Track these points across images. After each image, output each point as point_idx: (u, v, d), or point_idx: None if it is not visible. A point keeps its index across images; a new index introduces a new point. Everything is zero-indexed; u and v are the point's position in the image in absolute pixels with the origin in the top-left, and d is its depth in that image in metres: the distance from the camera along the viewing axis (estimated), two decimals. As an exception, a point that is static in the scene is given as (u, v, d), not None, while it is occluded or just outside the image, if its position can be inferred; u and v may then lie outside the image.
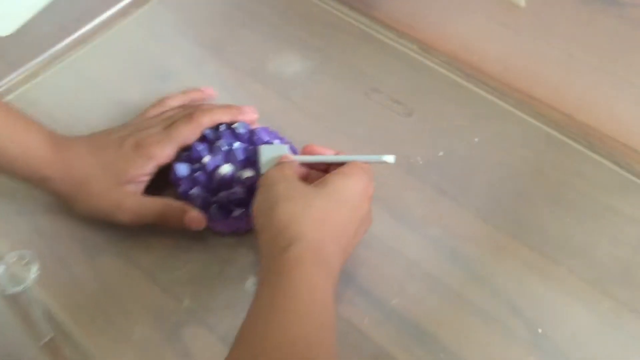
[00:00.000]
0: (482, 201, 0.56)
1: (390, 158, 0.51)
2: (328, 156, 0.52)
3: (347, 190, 0.48)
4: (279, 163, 0.51)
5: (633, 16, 0.54)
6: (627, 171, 0.57)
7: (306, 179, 0.52)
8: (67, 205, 0.56)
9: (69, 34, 0.73)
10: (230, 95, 0.66)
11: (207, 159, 0.55)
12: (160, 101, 0.61)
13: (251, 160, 0.55)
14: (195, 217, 0.54)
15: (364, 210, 0.49)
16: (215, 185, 0.55)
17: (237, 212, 0.54)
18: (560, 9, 0.57)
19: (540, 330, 0.49)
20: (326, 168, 0.52)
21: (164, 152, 0.55)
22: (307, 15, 0.73)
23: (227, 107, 0.58)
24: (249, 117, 0.58)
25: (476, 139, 0.60)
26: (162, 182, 0.56)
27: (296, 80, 0.67)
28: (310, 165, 0.53)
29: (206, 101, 0.64)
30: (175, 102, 0.61)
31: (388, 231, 0.54)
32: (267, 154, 0.53)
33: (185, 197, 0.55)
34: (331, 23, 0.72)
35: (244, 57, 0.70)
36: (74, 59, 0.72)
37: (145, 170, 0.54)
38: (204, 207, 0.54)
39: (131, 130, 0.56)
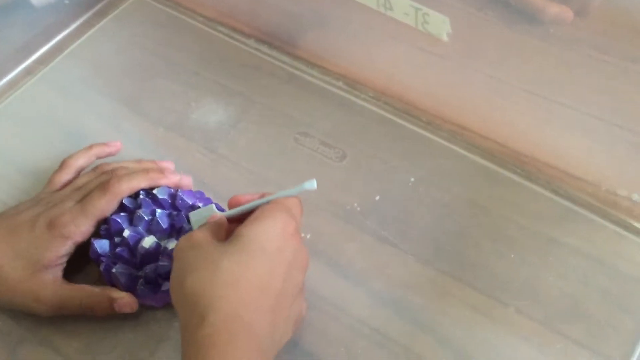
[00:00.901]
0: (423, 245, 0.55)
1: (311, 184, 0.47)
2: (253, 202, 0.48)
3: (259, 237, 0.43)
4: (201, 227, 0.48)
5: (557, 35, 0.54)
6: (566, 199, 0.57)
7: None
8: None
9: None
10: (151, 153, 0.63)
11: (127, 232, 0.52)
12: (63, 164, 0.58)
13: (176, 227, 0.53)
14: (125, 302, 0.51)
15: (289, 251, 0.44)
16: (139, 259, 0.52)
17: (166, 286, 0.51)
18: (485, 34, 0.58)
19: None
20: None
21: (80, 230, 0.52)
22: (226, 58, 0.71)
23: (144, 170, 0.56)
24: (170, 180, 0.56)
25: (412, 179, 0.59)
26: (82, 256, 0.53)
27: (220, 130, 0.65)
28: (241, 217, 0.50)
29: (112, 155, 0.61)
30: (79, 162, 0.58)
31: (331, 288, 0.53)
32: (197, 220, 0.50)
33: (108, 274, 0.52)
34: (252, 64, 0.70)
35: (163, 109, 0.67)
36: None
37: (62, 251, 0.51)
38: (130, 283, 0.51)
39: (42, 207, 0.53)
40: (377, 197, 0.58)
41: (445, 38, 0.57)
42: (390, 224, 0.56)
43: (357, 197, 0.59)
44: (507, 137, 0.60)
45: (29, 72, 0.72)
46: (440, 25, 0.57)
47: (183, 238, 0.46)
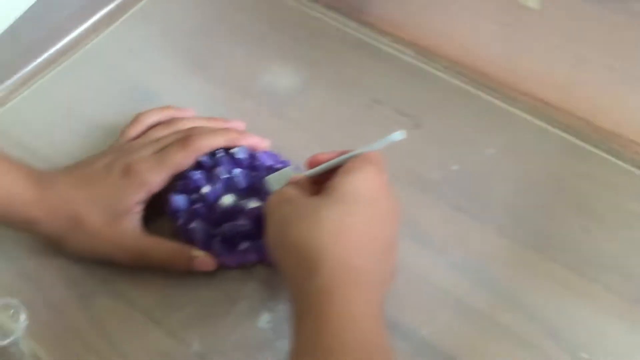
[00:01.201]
0: (503, 217, 0.54)
1: (399, 135, 0.47)
2: (333, 160, 0.48)
3: (355, 187, 0.44)
4: (287, 184, 0.48)
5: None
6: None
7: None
8: (56, 247, 0.52)
9: (36, 56, 0.68)
10: (219, 115, 0.62)
11: (206, 189, 0.51)
12: (136, 119, 0.58)
13: (254, 187, 0.52)
14: (203, 261, 0.50)
15: (384, 201, 0.45)
16: (217, 217, 0.51)
17: (243, 245, 0.51)
18: (567, 9, 0.56)
19: (584, 355, 0.47)
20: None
21: (156, 179, 0.51)
22: (293, 23, 0.70)
23: (224, 130, 0.55)
24: (249, 141, 0.55)
25: (490, 150, 0.58)
26: (155, 212, 0.53)
27: (290, 95, 0.64)
28: (322, 177, 0.49)
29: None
30: (152, 119, 0.58)
31: (411, 257, 0.52)
32: (275, 183, 0.49)
33: (184, 231, 0.51)
34: (320, 31, 0.69)
35: (230, 73, 0.66)
36: (43, 83, 0.67)
37: (137, 198, 0.51)
38: (206, 240, 0.51)
39: (116, 155, 0.53)
40: (455, 167, 0.57)
41: (536, 6, 0.56)
42: (469, 194, 0.55)
43: (433, 166, 0.58)
44: (590, 113, 0.59)
45: (93, 30, 0.71)
46: (532, -8, 0.55)
47: (274, 194, 0.46)
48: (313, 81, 0.65)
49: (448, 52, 0.65)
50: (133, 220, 0.51)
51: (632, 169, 0.56)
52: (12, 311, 0.51)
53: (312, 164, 0.49)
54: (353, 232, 0.42)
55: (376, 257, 0.42)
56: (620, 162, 0.56)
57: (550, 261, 0.51)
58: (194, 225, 0.51)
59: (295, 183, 0.47)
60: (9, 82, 0.67)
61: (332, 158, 0.48)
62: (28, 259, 0.54)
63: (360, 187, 0.44)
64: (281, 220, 0.44)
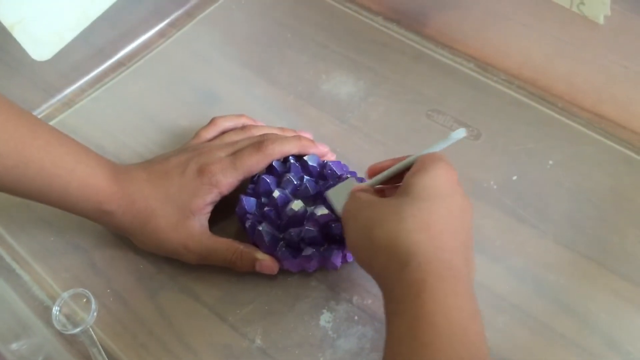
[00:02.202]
0: (563, 227, 0.55)
1: (460, 133, 0.47)
2: (396, 165, 0.49)
3: (431, 185, 0.44)
4: (352, 194, 0.49)
5: None
6: None
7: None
8: (128, 239, 0.54)
9: (108, 58, 0.72)
10: (282, 120, 0.65)
11: (276, 193, 0.53)
12: (213, 122, 0.60)
13: (322, 195, 0.53)
14: (267, 264, 0.52)
15: (459, 196, 0.45)
16: (284, 221, 0.53)
17: (308, 251, 0.52)
18: (625, 26, 0.57)
19: (642, 365, 0.47)
20: (400, 180, 0.49)
21: (227, 181, 0.53)
22: (354, 33, 0.72)
23: (297, 137, 0.57)
24: (320, 150, 0.57)
25: (550, 162, 0.59)
26: (221, 212, 0.55)
27: (351, 103, 0.66)
28: (385, 184, 0.51)
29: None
30: (228, 124, 0.60)
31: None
32: (337, 196, 0.50)
33: (252, 232, 0.53)
34: (380, 41, 0.71)
35: (293, 79, 0.68)
36: (113, 84, 0.70)
37: (208, 199, 0.53)
38: (273, 243, 0.52)
39: (191, 154, 0.55)
40: (515, 177, 0.58)
41: (601, 21, 0.57)
42: (529, 204, 0.56)
43: (493, 175, 0.59)
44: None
45: (162, 34, 0.74)
46: (599, 6, 0.56)
47: (351, 200, 0.48)
48: (374, 90, 0.67)
49: (507, 66, 0.66)
50: (201, 220, 0.53)
51: (694, 185, 0.56)
52: (84, 300, 0.54)
53: (371, 172, 0.51)
54: (437, 226, 0.42)
55: (460, 250, 0.43)
56: (680, 178, 0.57)
57: (608, 272, 0.52)
58: (262, 227, 0.52)
59: (363, 191, 0.49)
60: (80, 83, 0.70)
61: (390, 166, 0.49)
62: (98, 251, 0.56)
63: (436, 183, 0.44)
64: (365, 223, 0.45)
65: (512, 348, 0.49)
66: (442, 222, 0.43)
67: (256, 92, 0.68)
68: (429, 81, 0.67)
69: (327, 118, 0.65)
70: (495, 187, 0.58)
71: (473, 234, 0.45)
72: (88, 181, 0.51)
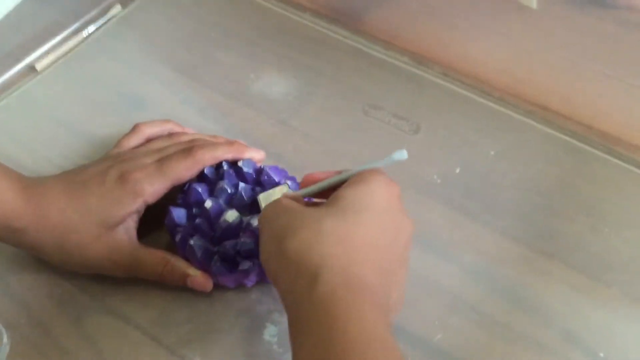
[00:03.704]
0: (511, 220, 0.51)
1: (401, 154, 0.42)
2: (332, 178, 0.43)
3: (363, 198, 0.39)
4: (275, 200, 0.43)
5: (632, 21, 0.51)
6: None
7: None
8: (43, 260, 0.47)
9: (17, 62, 0.63)
10: (213, 123, 0.59)
11: (209, 203, 0.47)
12: (135, 128, 0.53)
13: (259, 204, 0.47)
14: (198, 281, 0.46)
15: (395, 213, 0.40)
16: (219, 233, 0.47)
17: (245, 265, 0.46)
18: (565, 16, 0.54)
19: (602, 355, 0.44)
20: None
21: (153, 189, 0.46)
22: (283, 30, 0.66)
23: (229, 142, 0.51)
24: (255, 155, 0.51)
25: (492, 152, 0.55)
26: (151, 223, 0.49)
27: (285, 102, 0.60)
28: (319, 196, 0.44)
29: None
30: (153, 130, 0.53)
31: (418, 261, 0.48)
32: (267, 201, 0.45)
33: (183, 246, 0.47)
34: (311, 37, 0.66)
35: (225, 79, 0.62)
36: (24, 90, 0.62)
37: (132, 208, 0.46)
38: (206, 258, 0.46)
39: (112, 162, 0.48)
40: (457, 170, 0.54)
41: (534, 5, 0.54)
42: (475, 197, 0.52)
43: (436, 169, 0.54)
44: (591, 118, 0.56)
45: (76, 35, 0.66)
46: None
47: (271, 204, 0.42)
48: (309, 88, 0.61)
49: (443, 58, 0.62)
50: (127, 231, 0.47)
51: (637, 170, 0.53)
52: (-6, 334, 0.46)
53: (305, 183, 0.44)
54: (357, 241, 0.37)
55: (381, 270, 0.38)
56: (626, 165, 0.54)
57: (561, 264, 0.48)
58: (193, 241, 0.46)
59: (289, 196, 0.43)
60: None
61: (328, 177, 0.43)
62: (11, 276, 0.49)
63: (370, 197, 0.39)
64: (279, 230, 0.39)
65: (469, 349, 0.45)
66: (365, 237, 0.38)
67: (184, 95, 0.61)
68: (364, 77, 0.62)
69: (261, 119, 0.59)
70: (438, 181, 0.54)
71: (406, 260, 0.41)
72: None
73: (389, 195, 0.40)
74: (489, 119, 0.58)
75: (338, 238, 0.37)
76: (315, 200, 0.45)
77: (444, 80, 0.61)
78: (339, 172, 0.43)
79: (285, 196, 0.43)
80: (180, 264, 0.47)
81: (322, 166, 0.54)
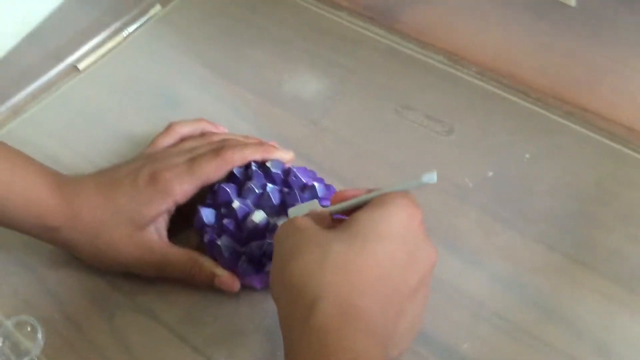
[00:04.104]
0: (545, 226, 0.49)
1: (431, 177, 0.38)
2: (361, 197, 0.40)
3: (378, 223, 0.36)
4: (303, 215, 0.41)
5: None
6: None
7: None
8: (77, 257, 0.48)
9: (58, 61, 0.65)
10: (247, 121, 0.58)
11: (236, 204, 0.46)
12: (169, 128, 0.53)
13: (287, 204, 0.47)
14: (225, 281, 0.46)
15: (413, 242, 0.37)
16: (245, 234, 0.46)
17: (270, 266, 0.45)
18: (606, 14, 0.51)
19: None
20: None
21: (182, 188, 0.47)
22: (316, 29, 0.66)
23: (258, 143, 0.51)
24: (284, 155, 0.50)
25: (527, 155, 0.53)
26: (181, 223, 0.49)
27: (318, 102, 0.60)
28: (346, 214, 0.42)
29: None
30: (185, 129, 0.53)
31: (446, 267, 0.47)
32: (297, 214, 0.43)
33: (211, 246, 0.47)
34: (344, 36, 0.65)
35: (258, 78, 0.62)
36: (65, 90, 0.63)
37: (163, 208, 0.46)
38: (233, 258, 0.46)
39: (144, 161, 0.48)
40: (490, 174, 0.53)
41: (573, 3, 0.51)
42: (508, 202, 0.51)
43: (468, 172, 0.53)
44: (633, 120, 0.53)
45: (116, 36, 0.67)
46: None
47: (284, 223, 0.40)
48: (341, 88, 0.60)
49: (479, 58, 0.60)
50: (157, 230, 0.47)
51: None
52: (28, 329, 0.47)
53: (336, 200, 0.42)
54: (362, 269, 0.35)
55: (386, 301, 0.35)
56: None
57: (595, 273, 0.46)
58: (221, 241, 0.46)
59: (313, 215, 0.41)
60: (30, 89, 0.63)
61: (358, 195, 0.41)
62: (46, 270, 0.50)
63: (388, 222, 0.36)
64: (286, 251, 0.37)
65: (497, 359, 0.44)
66: (374, 265, 0.35)
67: (218, 93, 0.61)
68: (398, 76, 0.61)
69: (293, 118, 0.59)
70: (470, 184, 0.52)
71: (422, 292, 0.37)
72: (30, 195, 0.45)
73: (408, 221, 0.37)
74: (524, 120, 0.56)
75: (342, 265, 0.35)
76: (345, 218, 0.42)
77: (479, 80, 0.59)
78: (370, 191, 0.41)
79: (311, 213, 0.41)
80: (208, 264, 0.47)
81: (352, 168, 0.54)
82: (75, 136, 0.59)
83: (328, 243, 0.36)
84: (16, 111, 0.62)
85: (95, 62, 0.65)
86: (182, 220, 0.49)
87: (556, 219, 0.49)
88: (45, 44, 0.64)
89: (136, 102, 0.61)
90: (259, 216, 0.46)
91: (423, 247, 0.37)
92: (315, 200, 0.45)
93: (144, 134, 0.57)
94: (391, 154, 0.55)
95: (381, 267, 0.35)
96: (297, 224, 0.39)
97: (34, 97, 0.63)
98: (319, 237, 0.37)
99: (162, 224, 0.47)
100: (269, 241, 0.45)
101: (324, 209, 0.42)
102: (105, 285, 0.49)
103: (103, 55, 0.65)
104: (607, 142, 0.53)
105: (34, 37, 0.63)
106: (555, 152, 0.53)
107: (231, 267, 0.46)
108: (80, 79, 0.64)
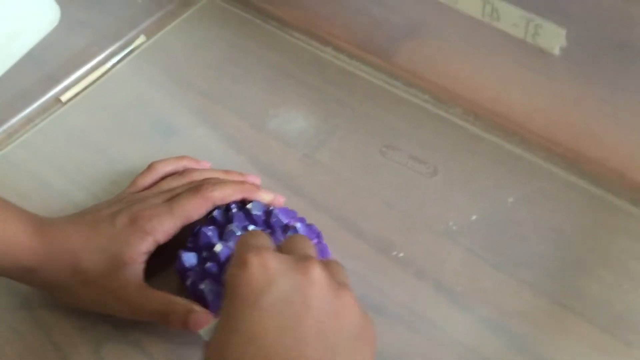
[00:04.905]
0: (531, 271, 0.48)
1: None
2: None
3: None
4: None
5: None
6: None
7: None
8: (54, 298, 0.46)
9: (56, 84, 0.63)
10: (240, 154, 0.58)
11: (219, 247, 0.45)
12: (150, 167, 0.52)
13: None
14: (200, 318, 0.43)
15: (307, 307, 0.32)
16: None
17: None
18: (596, 55, 0.51)
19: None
20: None
21: (162, 227, 0.45)
22: (301, 64, 0.65)
23: (239, 182, 0.49)
24: (264, 196, 0.49)
25: (510, 199, 0.53)
26: (159, 266, 0.47)
27: (311, 134, 0.59)
28: None
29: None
30: (167, 168, 0.52)
31: (434, 311, 0.46)
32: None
33: (194, 291, 0.45)
34: (330, 72, 0.64)
35: (249, 110, 0.61)
36: (61, 113, 0.62)
37: (143, 248, 0.45)
38: (217, 303, 0.44)
39: (124, 204, 0.47)
40: (474, 217, 0.52)
41: (556, 52, 0.51)
42: (492, 245, 0.50)
43: (452, 215, 0.52)
44: (619, 164, 0.53)
45: (110, 61, 0.66)
46: (553, 37, 0.51)
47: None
48: (335, 121, 0.59)
49: (464, 98, 0.60)
50: (135, 271, 0.45)
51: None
52: None
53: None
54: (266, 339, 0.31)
55: None
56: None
57: (583, 320, 0.45)
58: (204, 285, 0.44)
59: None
60: (23, 114, 0.62)
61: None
62: (37, 299, 0.48)
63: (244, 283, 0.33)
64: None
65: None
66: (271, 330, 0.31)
67: (210, 122, 0.60)
68: (384, 115, 0.60)
69: (286, 150, 0.58)
70: (454, 227, 0.51)
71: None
72: (9, 238, 0.43)
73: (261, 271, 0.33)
74: (509, 163, 0.55)
75: (246, 338, 0.31)
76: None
77: (464, 121, 0.59)
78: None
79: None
80: (183, 304, 0.44)
81: (346, 205, 0.53)
82: (70, 162, 0.58)
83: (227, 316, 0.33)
84: (11, 135, 0.61)
85: (85, 88, 0.64)
86: (159, 264, 0.47)
87: (543, 263, 0.49)
88: (37, 69, 0.63)
89: (132, 130, 0.60)
90: None
91: (340, 306, 0.33)
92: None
93: (141, 162, 0.55)
94: (381, 192, 0.54)
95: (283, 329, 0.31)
96: None
97: (29, 120, 0.61)
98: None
99: (140, 264, 0.46)
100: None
101: None
102: (93, 315, 0.47)
103: (88, 86, 0.64)
104: (592, 188, 0.53)
105: (24, 64, 0.61)
106: (538, 196, 0.53)
107: (214, 311, 0.45)
108: (75, 103, 0.62)
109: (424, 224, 0.52)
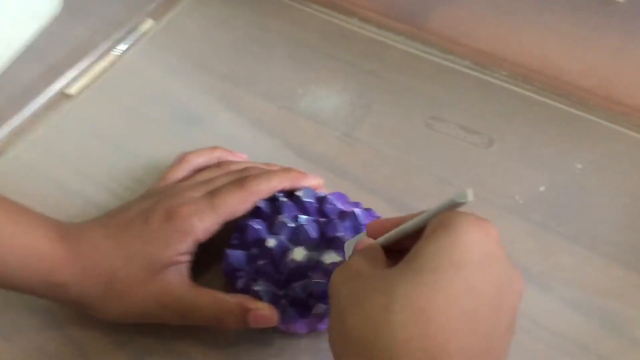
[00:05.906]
0: (610, 242, 0.43)
1: (463, 196, 0.30)
2: (407, 224, 0.33)
3: (451, 252, 0.28)
4: (353, 255, 0.34)
5: None
6: None
7: None
8: (91, 314, 0.40)
9: (58, 76, 0.57)
10: (274, 137, 0.52)
11: (271, 242, 0.39)
12: (182, 159, 0.46)
13: (327, 237, 0.40)
14: (262, 315, 0.38)
15: (497, 268, 0.29)
16: (285, 275, 0.39)
17: (319, 308, 0.38)
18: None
19: None
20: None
21: (204, 225, 0.39)
22: (336, 35, 0.59)
23: (283, 170, 0.43)
24: (314, 182, 0.43)
25: (579, 165, 0.47)
26: (204, 263, 0.41)
27: (347, 111, 0.53)
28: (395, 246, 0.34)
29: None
30: (200, 160, 0.46)
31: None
32: (350, 250, 0.37)
33: (247, 294, 0.39)
34: (365, 45, 0.58)
35: (272, 91, 0.55)
36: (72, 107, 0.55)
37: (182, 249, 0.39)
38: (273, 304, 0.39)
39: (157, 198, 0.41)
40: (542, 188, 0.47)
41: (622, -1, 0.46)
42: (568, 218, 0.45)
43: (516, 188, 0.47)
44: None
45: (109, 52, 0.59)
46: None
47: (339, 269, 0.33)
48: (371, 95, 0.54)
49: (513, 60, 0.54)
50: (178, 271, 0.39)
51: None
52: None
53: (373, 229, 0.35)
54: (439, 314, 0.27)
55: (477, 351, 0.27)
56: None
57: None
58: (257, 287, 0.39)
59: (365, 252, 0.33)
60: (32, 107, 0.55)
61: (398, 223, 0.34)
62: (66, 317, 0.42)
63: (459, 249, 0.28)
64: (343, 302, 0.30)
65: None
66: (457, 305, 0.27)
67: (236, 107, 0.54)
68: (424, 86, 0.54)
69: (323, 130, 0.52)
70: (521, 202, 0.46)
71: (511, 325, 0.30)
72: (33, 252, 0.37)
73: (484, 242, 0.29)
74: (571, 126, 0.50)
75: (414, 312, 0.27)
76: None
77: (514, 85, 0.53)
78: (412, 216, 0.33)
79: (363, 250, 0.33)
80: (235, 300, 0.38)
81: (394, 183, 0.48)
82: (86, 159, 0.51)
83: (392, 286, 0.28)
84: (18, 133, 0.53)
85: (95, 79, 0.57)
86: (202, 263, 0.41)
87: (625, 233, 0.44)
88: (43, 58, 0.57)
89: (151, 121, 0.54)
90: (300, 253, 0.39)
91: (508, 272, 0.30)
92: (364, 232, 0.38)
93: (162, 156, 0.49)
94: (432, 167, 0.49)
95: (464, 307, 0.27)
96: (354, 269, 0.32)
97: (37, 116, 0.54)
98: (380, 281, 0.29)
99: (184, 264, 0.40)
100: (315, 280, 0.38)
101: (373, 242, 0.35)
102: (130, 329, 0.41)
103: (102, 73, 0.57)
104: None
105: (30, 53, 0.55)
106: (609, 160, 0.47)
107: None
108: (87, 95, 0.56)
109: (486, 199, 0.46)
